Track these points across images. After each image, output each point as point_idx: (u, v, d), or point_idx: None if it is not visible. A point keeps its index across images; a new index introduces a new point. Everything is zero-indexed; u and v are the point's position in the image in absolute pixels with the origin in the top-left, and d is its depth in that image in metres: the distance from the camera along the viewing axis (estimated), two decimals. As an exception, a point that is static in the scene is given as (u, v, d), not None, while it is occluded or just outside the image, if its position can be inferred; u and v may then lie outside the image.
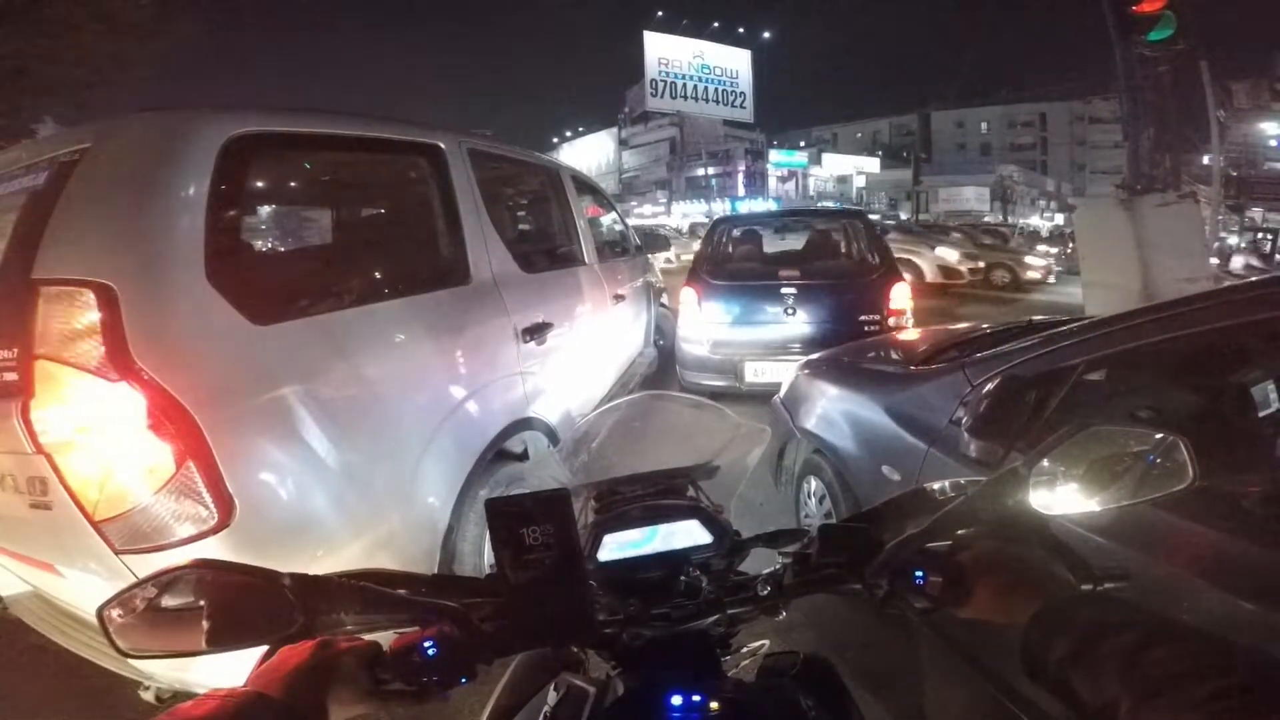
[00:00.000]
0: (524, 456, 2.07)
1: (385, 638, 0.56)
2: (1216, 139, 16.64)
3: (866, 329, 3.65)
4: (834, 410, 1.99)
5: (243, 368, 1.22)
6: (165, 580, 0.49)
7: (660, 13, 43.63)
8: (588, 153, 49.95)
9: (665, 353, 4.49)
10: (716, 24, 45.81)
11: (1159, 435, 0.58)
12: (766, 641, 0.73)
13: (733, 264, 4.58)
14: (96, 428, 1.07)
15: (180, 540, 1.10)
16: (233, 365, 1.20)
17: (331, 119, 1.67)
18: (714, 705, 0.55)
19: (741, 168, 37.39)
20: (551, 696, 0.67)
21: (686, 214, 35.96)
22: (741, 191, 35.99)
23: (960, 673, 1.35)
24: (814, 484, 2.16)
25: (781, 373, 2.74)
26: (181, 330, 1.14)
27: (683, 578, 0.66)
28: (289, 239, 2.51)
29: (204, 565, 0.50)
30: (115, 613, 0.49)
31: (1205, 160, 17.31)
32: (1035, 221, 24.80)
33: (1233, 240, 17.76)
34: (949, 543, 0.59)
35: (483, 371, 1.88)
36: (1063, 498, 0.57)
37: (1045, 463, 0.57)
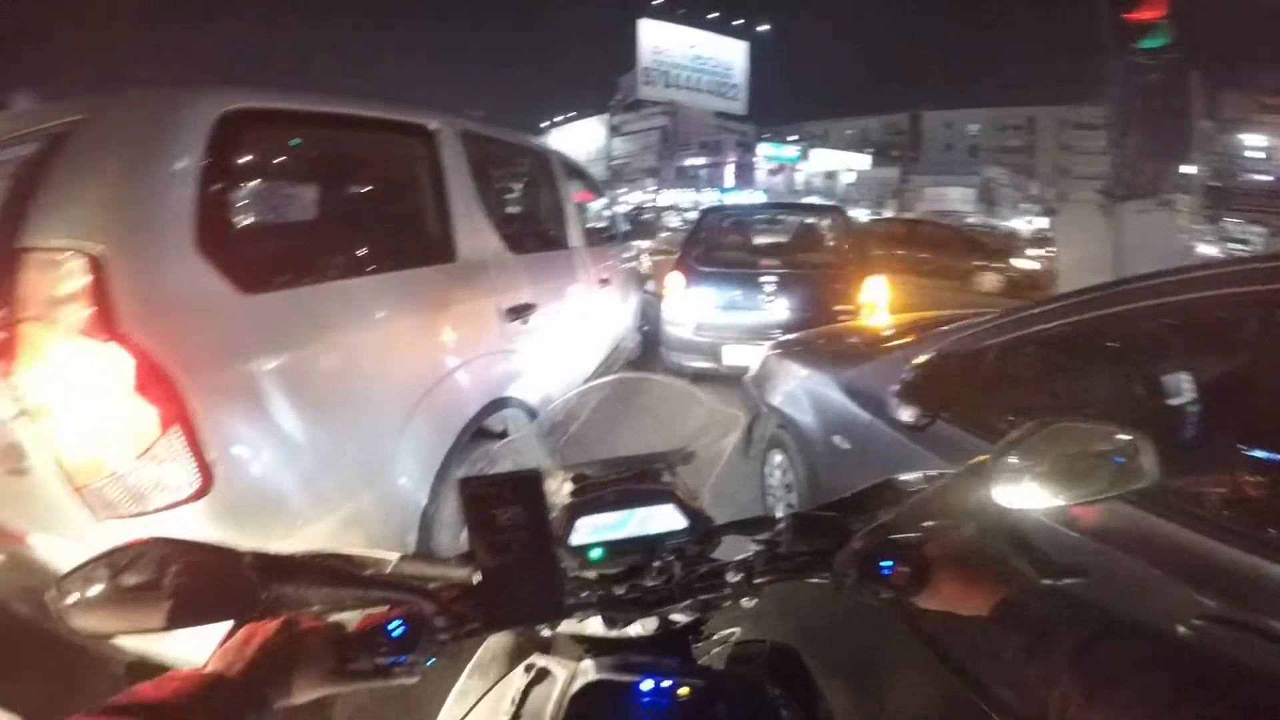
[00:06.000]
0: (504, 435, 2.04)
1: (352, 618, 0.55)
2: (1199, 148, 16.76)
3: (839, 318, 3.76)
4: (796, 388, 2.10)
5: (228, 336, 1.23)
6: (123, 557, 0.46)
7: (656, 0, 43.10)
8: (578, 138, 49.27)
9: (649, 338, 4.55)
10: (714, 14, 45.29)
11: (1121, 435, 0.58)
12: (738, 629, 0.74)
13: (718, 251, 4.68)
14: (81, 392, 1.07)
15: (159, 507, 1.09)
16: (218, 333, 1.21)
17: (324, 98, 1.68)
18: (682, 691, 0.57)
19: (731, 159, 37.27)
20: (520, 679, 0.66)
21: (675, 202, 35.75)
22: (730, 182, 35.90)
23: (928, 664, 1.43)
24: (779, 457, 2.28)
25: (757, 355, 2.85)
26: (169, 297, 1.15)
27: (656, 563, 0.65)
28: (277, 213, 2.52)
29: (162, 542, 0.48)
30: (70, 590, 0.46)
31: (1189, 169, 17.42)
32: (1017, 224, 25.04)
33: (1208, 250, 17.73)
34: (917, 534, 0.60)
35: (464, 349, 1.89)
36: (1026, 492, 0.57)
37: (1011, 458, 0.56)
